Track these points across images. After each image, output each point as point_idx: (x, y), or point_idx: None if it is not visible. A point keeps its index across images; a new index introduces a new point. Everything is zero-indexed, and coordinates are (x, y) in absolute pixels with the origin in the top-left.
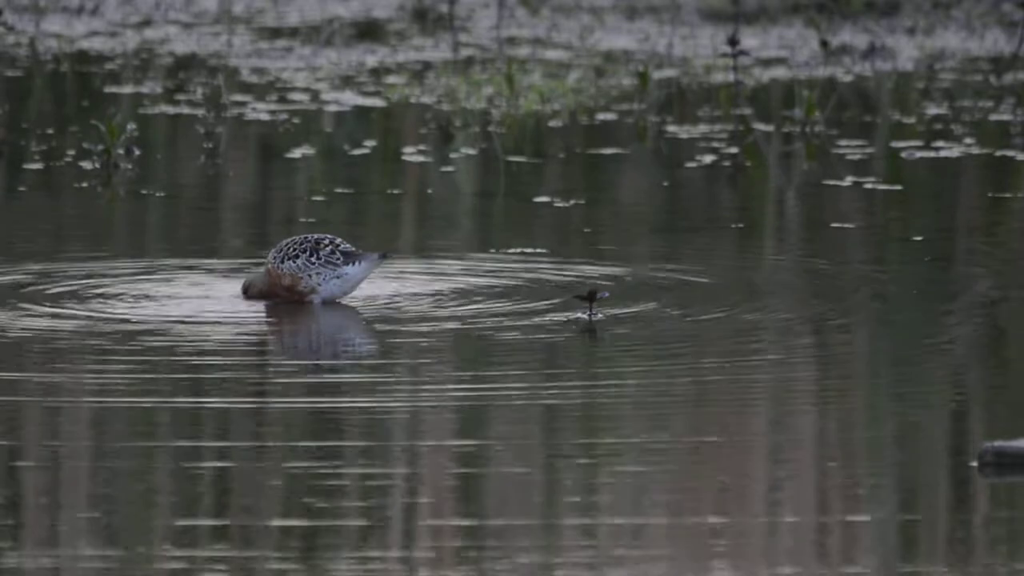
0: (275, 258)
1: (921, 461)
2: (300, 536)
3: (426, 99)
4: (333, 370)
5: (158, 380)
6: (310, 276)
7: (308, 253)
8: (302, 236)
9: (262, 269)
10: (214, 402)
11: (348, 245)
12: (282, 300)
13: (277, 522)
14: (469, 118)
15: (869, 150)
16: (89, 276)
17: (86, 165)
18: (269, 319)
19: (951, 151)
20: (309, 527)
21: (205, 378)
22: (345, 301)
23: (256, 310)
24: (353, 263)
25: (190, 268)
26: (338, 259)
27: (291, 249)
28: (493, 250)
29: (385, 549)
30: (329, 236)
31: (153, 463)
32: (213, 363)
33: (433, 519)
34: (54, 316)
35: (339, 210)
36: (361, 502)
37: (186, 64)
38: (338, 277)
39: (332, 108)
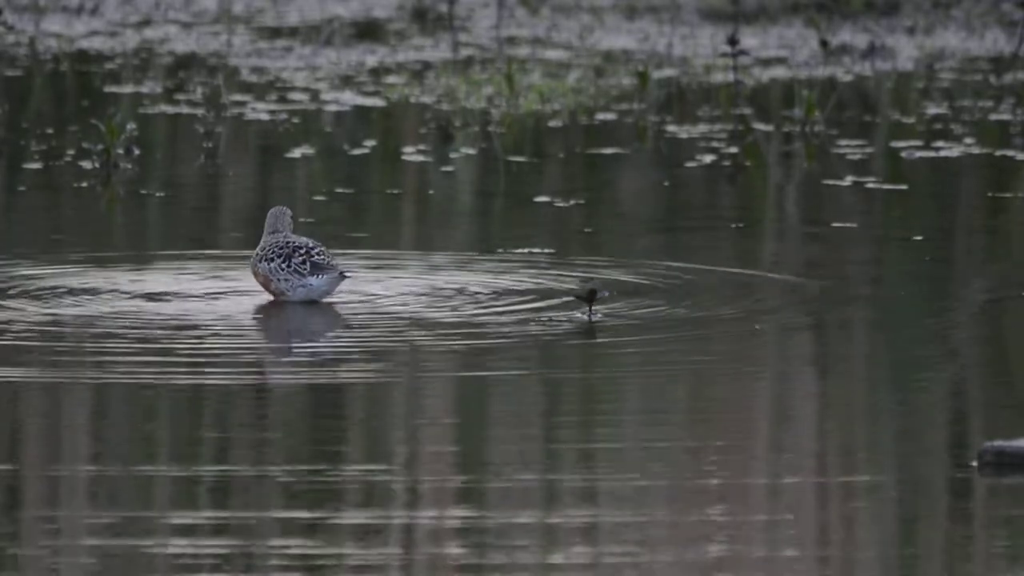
0: (257, 255)
1: (921, 461)
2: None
3: (426, 99)
4: (326, 371)
5: (155, 385)
6: (279, 281)
7: (281, 259)
8: (286, 239)
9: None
10: (212, 382)
11: (322, 256)
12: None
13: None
14: (469, 118)
15: (869, 150)
16: (87, 275)
17: (86, 165)
18: (256, 319)
19: (951, 151)
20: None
21: (200, 385)
22: (342, 300)
23: (246, 310)
24: (317, 275)
25: (188, 268)
26: (305, 269)
27: (270, 251)
28: (493, 250)
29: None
30: (309, 244)
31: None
32: (207, 365)
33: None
34: (50, 314)
35: (339, 210)
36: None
37: (186, 64)
38: (303, 286)
39: (332, 108)
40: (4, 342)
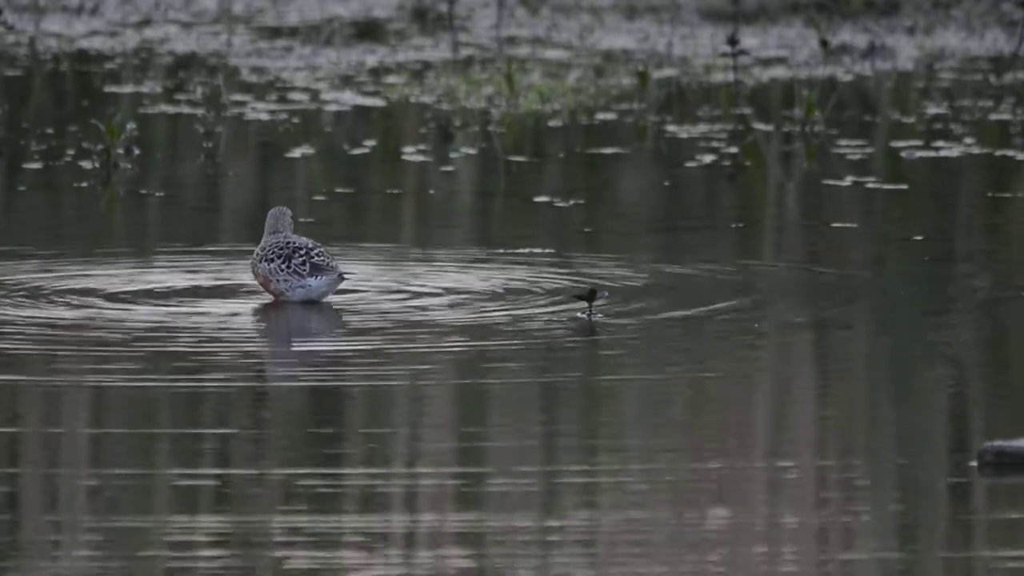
0: (258, 255)
1: (921, 461)
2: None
3: (426, 99)
4: (326, 371)
5: (153, 387)
6: (279, 281)
7: (281, 259)
8: (286, 240)
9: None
10: (211, 385)
11: (322, 258)
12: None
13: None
14: (469, 118)
15: (869, 150)
16: (87, 275)
17: (86, 165)
18: (256, 320)
19: (951, 151)
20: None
21: (199, 390)
22: (341, 299)
23: (244, 311)
24: (316, 276)
25: (188, 269)
26: (305, 270)
27: (270, 252)
28: (493, 250)
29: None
30: (309, 245)
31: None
32: (206, 368)
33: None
34: (51, 314)
35: (339, 210)
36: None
37: (186, 64)
38: (302, 287)
39: (332, 108)
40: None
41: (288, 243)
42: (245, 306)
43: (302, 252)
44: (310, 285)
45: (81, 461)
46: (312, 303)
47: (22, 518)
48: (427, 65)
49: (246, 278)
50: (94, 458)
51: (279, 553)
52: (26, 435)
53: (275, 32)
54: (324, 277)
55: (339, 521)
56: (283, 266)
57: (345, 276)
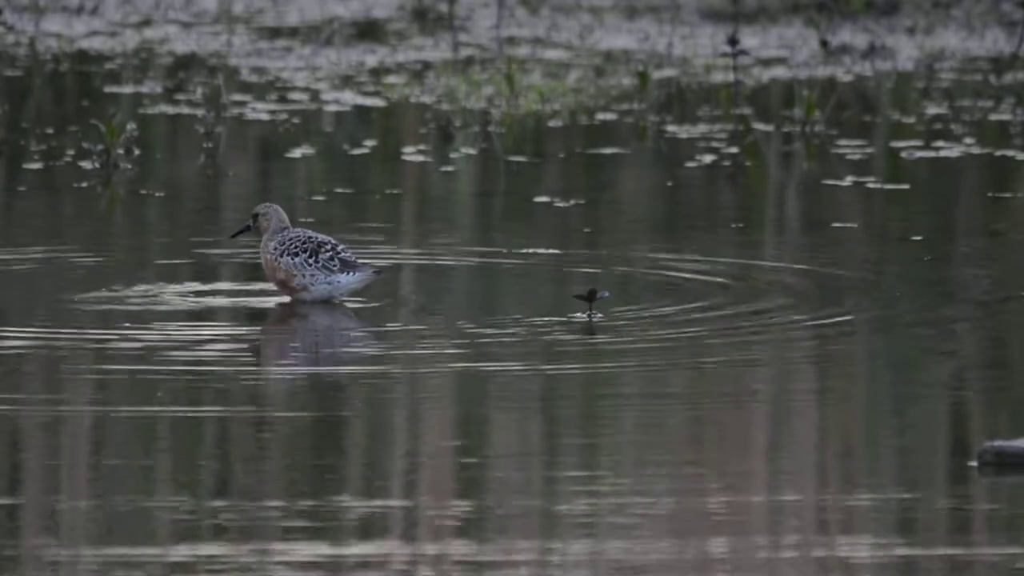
0: (275, 250)
1: (921, 461)
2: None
3: (426, 99)
4: (327, 375)
5: (154, 392)
6: (303, 276)
7: (308, 254)
8: (307, 235)
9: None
10: (212, 411)
11: (348, 254)
12: (274, 285)
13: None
14: (469, 118)
15: (869, 150)
16: (87, 276)
17: (86, 165)
18: (262, 322)
19: (951, 151)
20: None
21: (202, 388)
22: (342, 300)
23: (247, 313)
24: (348, 272)
25: (188, 267)
26: (335, 266)
27: (292, 246)
28: (493, 250)
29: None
30: (333, 241)
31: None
32: (210, 373)
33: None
34: (50, 316)
35: (339, 210)
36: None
37: (186, 64)
38: (329, 283)
39: (332, 108)
40: None
41: (310, 238)
42: (237, 307)
43: (328, 247)
44: (339, 282)
45: (77, 489)
46: (326, 302)
47: None
48: (427, 65)
49: (247, 284)
50: (90, 486)
51: None
52: (21, 459)
53: (275, 32)
54: (357, 273)
55: (337, 549)
56: (310, 260)
57: (378, 272)
